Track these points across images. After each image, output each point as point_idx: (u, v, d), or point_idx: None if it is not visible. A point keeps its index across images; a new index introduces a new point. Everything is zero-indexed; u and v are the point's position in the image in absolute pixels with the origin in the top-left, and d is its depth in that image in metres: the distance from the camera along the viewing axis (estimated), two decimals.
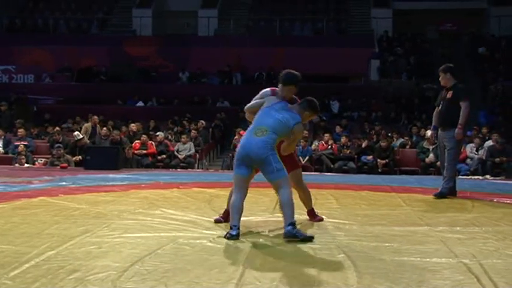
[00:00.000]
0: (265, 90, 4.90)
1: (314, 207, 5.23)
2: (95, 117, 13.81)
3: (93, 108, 16.75)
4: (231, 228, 4.39)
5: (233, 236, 4.32)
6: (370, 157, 12.64)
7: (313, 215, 5.18)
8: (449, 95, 6.87)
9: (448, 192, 6.80)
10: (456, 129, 6.75)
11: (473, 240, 4.40)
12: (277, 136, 4.47)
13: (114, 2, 25.01)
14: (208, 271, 3.45)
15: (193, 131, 13.98)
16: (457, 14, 23.28)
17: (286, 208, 4.32)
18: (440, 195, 6.73)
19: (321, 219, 5.14)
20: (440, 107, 6.99)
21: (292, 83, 4.76)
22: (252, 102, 4.88)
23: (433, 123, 7.27)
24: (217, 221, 5.01)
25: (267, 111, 4.56)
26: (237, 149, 4.58)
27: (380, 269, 3.53)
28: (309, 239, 4.28)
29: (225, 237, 4.34)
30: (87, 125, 13.46)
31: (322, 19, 23.55)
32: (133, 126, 13.89)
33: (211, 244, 4.18)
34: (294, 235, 4.23)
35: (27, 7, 25.07)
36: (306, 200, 5.15)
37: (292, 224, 4.27)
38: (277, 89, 4.82)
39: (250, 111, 4.84)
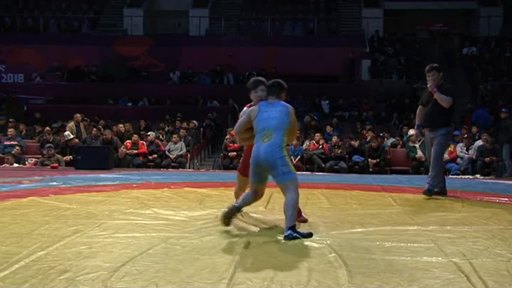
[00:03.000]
0: (243, 110, 4.96)
1: (301, 208, 5.14)
2: (77, 115, 13.73)
3: (84, 108, 16.69)
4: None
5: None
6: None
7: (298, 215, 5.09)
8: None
9: (440, 191, 6.82)
10: (433, 85, 6.69)
11: (463, 239, 4.43)
12: (283, 132, 4.55)
13: (105, 2, 24.91)
14: (200, 271, 3.45)
15: (182, 130, 13.93)
16: (447, 14, 23.41)
17: (288, 210, 4.44)
18: (428, 193, 6.71)
19: (305, 221, 5.06)
20: (427, 108, 6.92)
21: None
22: (238, 123, 4.90)
23: (416, 122, 7.22)
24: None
25: (263, 114, 4.64)
26: (251, 158, 4.66)
27: (371, 268, 3.55)
28: (309, 235, 4.41)
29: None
30: (71, 124, 13.38)
31: (312, 19, 23.59)
32: (121, 127, 13.79)
33: (202, 244, 4.18)
34: (294, 238, 4.33)
35: (17, 6, 24.92)
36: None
37: (292, 227, 4.38)
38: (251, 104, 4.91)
39: (240, 132, 4.86)
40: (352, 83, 20.47)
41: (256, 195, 4.78)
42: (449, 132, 7.08)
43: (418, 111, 7.16)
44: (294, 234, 4.35)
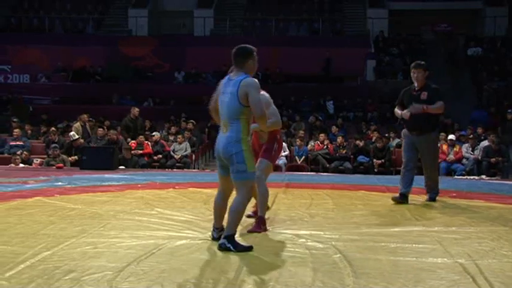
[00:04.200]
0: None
1: (266, 219, 4.82)
2: (84, 115, 13.74)
3: (89, 108, 16.71)
4: (214, 230, 4.34)
5: (214, 239, 4.27)
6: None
7: (258, 224, 4.71)
8: (423, 96, 6.39)
9: (405, 195, 6.55)
10: (418, 106, 6.25)
11: (469, 240, 4.42)
12: (238, 121, 4.05)
13: (110, 2, 24.97)
14: (204, 271, 3.46)
15: (186, 132, 13.91)
16: (452, 14, 23.33)
17: (231, 217, 4.03)
18: (432, 200, 6.63)
19: (260, 231, 4.65)
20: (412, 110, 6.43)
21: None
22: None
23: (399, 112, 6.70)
24: (248, 216, 4.97)
25: (220, 96, 4.25)
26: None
27: (376, 269, 3.54)
28: (248, 249, 4.00)
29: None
30: (77, 125, 13.40)
31: (317, 19, 23.58)
32: (136, 111, 13.67)
33: (207, 244, 4.19)
34: (227, 249, 3.95)
35: (23, 7, 25.01)
36: (259, 202, 4.77)
37: (229, 236, 4.00)
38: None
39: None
40: (329, 83, 20.37)
41: (225, 191, 4.29)
42: (437, 136, 6.94)
43: (396, 110, 6.72)
44: (228, 245, 3.94)
